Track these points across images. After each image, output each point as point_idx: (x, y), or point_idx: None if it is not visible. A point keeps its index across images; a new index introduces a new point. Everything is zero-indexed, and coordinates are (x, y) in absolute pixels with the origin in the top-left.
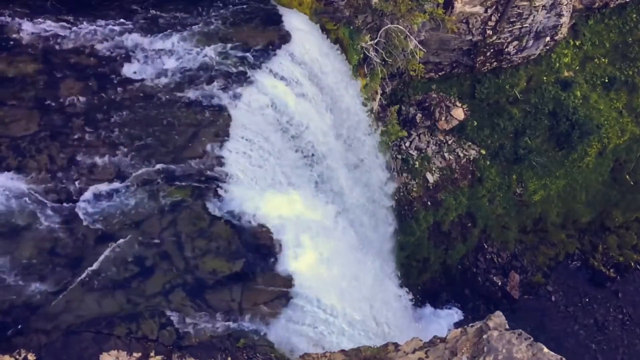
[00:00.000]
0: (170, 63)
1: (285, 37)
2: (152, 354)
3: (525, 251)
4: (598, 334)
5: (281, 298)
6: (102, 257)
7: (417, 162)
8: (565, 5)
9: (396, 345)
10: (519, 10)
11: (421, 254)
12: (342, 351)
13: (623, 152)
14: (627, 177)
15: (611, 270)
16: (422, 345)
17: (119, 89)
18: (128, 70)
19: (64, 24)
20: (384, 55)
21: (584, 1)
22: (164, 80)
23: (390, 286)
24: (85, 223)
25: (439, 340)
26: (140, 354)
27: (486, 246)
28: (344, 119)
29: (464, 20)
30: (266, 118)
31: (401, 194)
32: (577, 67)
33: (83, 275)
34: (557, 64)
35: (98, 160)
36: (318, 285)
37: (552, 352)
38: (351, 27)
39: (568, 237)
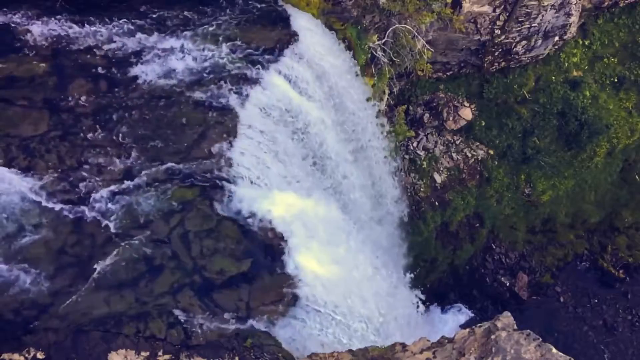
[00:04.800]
0: (179, 63)
1: (293, 37)
2: (160, 353)
3: (534, 252)
4: (607, 335)
5: (289, 298)
6: (110, 257)
7: (424, 162)
8: (574, 4)
9: (404, 345)
10: (527, 10)
11: (429, 254)
12: (350, 351)
13: (632, 152)
14: (637, 177)
15: (620, 271)
16: (430, 346)
17: (127, 89)
18: (137, 70)
19: (73, 24)
20: (392, 55)
21: (593, 0)
22: (172, 81)
23: (398, 286)
24: (93, 223)
25: (446, 341)
26: (148, 353)
27: (494, 246)
28: (350, 118)
29: (472, 20)
30: (274, 118)
31: (409, 194)
32: (586, 67)
33: (92, 275)
34: (566, 64)
35: (107, 160)
36: (325, 285)
37: (560, 353)
38: (359, 27)
39: (577, 237)
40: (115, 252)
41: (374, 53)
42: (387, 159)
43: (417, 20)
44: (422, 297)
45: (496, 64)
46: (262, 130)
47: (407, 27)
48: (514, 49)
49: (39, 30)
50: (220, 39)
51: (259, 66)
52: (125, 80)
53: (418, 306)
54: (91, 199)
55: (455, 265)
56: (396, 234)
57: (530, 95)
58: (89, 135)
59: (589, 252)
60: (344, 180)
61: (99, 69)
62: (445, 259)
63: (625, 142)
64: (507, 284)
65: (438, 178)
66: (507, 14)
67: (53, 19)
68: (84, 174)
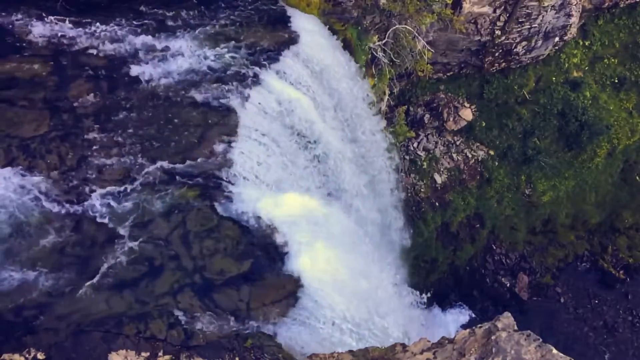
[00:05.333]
0: (179, 64)
1: (293, 38)
2: (160, 353)
3: (534, 252)
4: (608, 336)
5: (289, 298)
6: (111, 257)
7: (425, 163)
8: (575, 5)
9: (404, 345)
10: (527, 11)
11: (429, 254)
12: (350, 351)
13: (633, 152)
14: (637, 177)
15: (621, 271)
16: (430, 346)
17: (128, 89)
18: (137, 70)
19: (74, 25)
20: (392, 56)
21: (594, 1)
22: (172, 81)
23: (399, 287)
24: (94, 223)
25: (447, 341)
26: (148, 354)
27: (495, 247)
28: (351, 119)
29: (473, 21)
30: (274, 119)
31: (409, 194)
32: (587, 67)
33: (93, 276)
34: (566, 64)
35: (107, 160)
36: (326, 286)
37: (561, 354)
38: (359, 28)
39: (577, 238)
40: (115, 253)
41: (375, 54)
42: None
43: (417, 21)
44: (423, 297)
45: (496, 64)
46: (263, 130)
47: (408, 27)
48: (514, 50)
49: (39, 30)
50: (221, 39)
51: (259, 67)
52: (126, 81)
53: (419, 306)
54: (92, 199)
55: (456, 265)
56: (398, 235)
57: (531, 96)
58: (90, 136)
59: (589, 252)
60: (345, 179)
61: (100, 70)
62: (446, 260)
63: (626, 143)
64: (508, 285)
65: (438, 178)
66: (508, 15)
67: (54, 19)
68: (85, 174)
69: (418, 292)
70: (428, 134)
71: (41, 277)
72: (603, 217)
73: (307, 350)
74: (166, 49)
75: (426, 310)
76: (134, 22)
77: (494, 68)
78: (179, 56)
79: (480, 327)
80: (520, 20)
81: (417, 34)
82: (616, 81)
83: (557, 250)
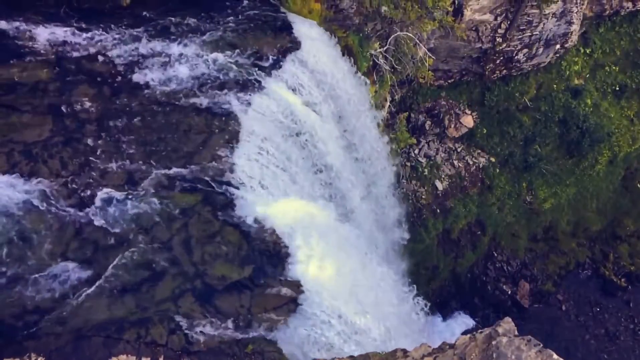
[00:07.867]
0: (182, 70)
1: (295, 45)
2: (161, 358)
3: (536, 259)
4: (609, 344)
5: (290, 304)
6: (112, 263)
7: (426, 170)
8: (576, 13)
9: (405, 351)
10: (528, 18)
11: (430, 261)
12: (351, 357)
13: (634, 160)
14: (639, 185)
15: (622, 279)
16: (431, 352)
17: (131, 95)
18: (140, 76)
19: (77, 30)
20: (393, 63)
21: (595, 9)
22: (175, 87)
23: (399, 293)
24: (96, 228)
25: (447, 347)
26: (149, 359)
27: (496, 254)
28: (352, 125)
29: (474, 28)
30: (276, 125)
31: (410, 201)
32: (588, 75)
33: (94, 281)
34: (567, 72)
35: (109, 165)
36: (327, 292)
37: (561, 359)
38: (361, 35)
39: (579, 245)
40: (117, 258)
41: (376, 60)
42: (389, 164)
43: (418, 28)
44: (424, 303)
45: (497, 71)
46: (265, 136)
47: (409, 34)
48: (516, 57)
49: (43, 36)
50: (224, 45)
51: (261, 73)
52: (129, 87)
53: (420, 312)
54: (94, 205)
55: (457, 272)
56: (399, 241)
57: (532, 103)
58: (92, 141)
59: (590, 260)
60: (345, 185)
61: (103, 75)
62: (447, 267)
63: (627, 150)
64: (509, 292)
65: (439, 185)
66: (509, 22)
67: (57, 25)
68: (87, 179)
69: (420, 299)
70: (429, 141)
71: (42, 282)
72: (604, 225)
73: (307, 356)
74: (169, 55)
75: (427, 317)
76: (137, 29)
77: (495, 75)
78: (182, 62)
79: (481, 332)
80: (521, 27)
81: (418, 41)
82: (617, 89)
83: (559, 257)
